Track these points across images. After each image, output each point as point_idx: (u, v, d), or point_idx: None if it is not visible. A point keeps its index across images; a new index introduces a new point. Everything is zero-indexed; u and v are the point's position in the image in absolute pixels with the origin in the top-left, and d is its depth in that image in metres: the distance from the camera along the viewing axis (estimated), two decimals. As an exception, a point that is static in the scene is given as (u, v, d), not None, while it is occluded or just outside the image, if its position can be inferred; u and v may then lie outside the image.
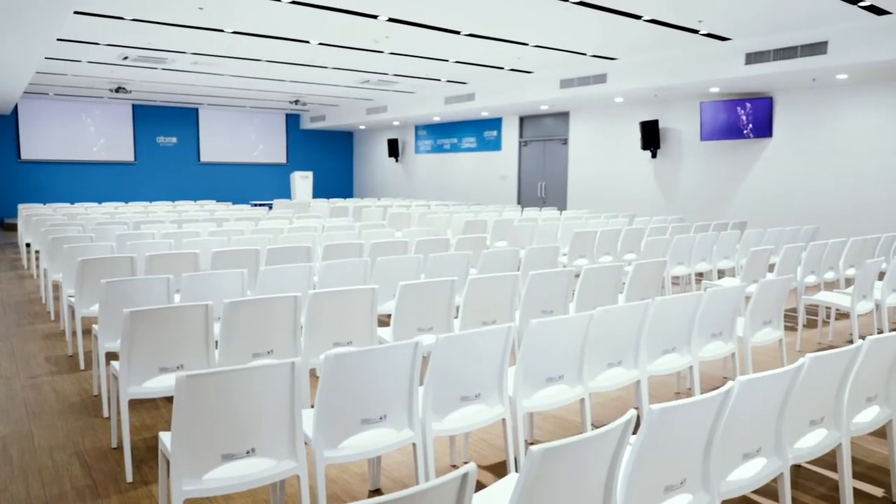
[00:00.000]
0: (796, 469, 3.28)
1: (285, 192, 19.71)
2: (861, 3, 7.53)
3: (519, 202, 15.99)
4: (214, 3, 8.12)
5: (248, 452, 2.41)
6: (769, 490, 2.60)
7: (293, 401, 2.48)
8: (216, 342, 3.46)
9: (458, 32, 9.45)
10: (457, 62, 11.78)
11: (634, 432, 1.99)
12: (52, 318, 6.73)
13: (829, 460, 2.87)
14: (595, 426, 3.88)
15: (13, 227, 14.35)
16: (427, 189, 18.84)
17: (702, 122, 11.92)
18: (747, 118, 11.27)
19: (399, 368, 2.72)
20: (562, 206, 14.69)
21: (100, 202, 14.62)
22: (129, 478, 3.21)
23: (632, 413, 1.91)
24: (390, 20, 8.78)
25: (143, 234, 7.41)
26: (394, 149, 19.76)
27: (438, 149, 18.62)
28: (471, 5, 8.09)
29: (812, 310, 6.87)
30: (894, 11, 7.79)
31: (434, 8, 8.23)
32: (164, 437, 2.49)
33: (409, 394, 2.77)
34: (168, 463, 2.35)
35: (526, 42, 10.05)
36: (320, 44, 10.42)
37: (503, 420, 3.04)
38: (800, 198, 10.83)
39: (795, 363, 2.45)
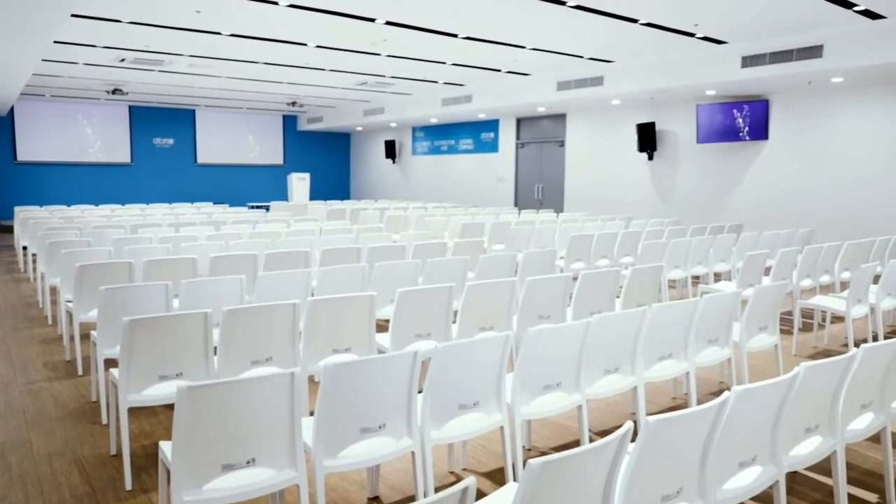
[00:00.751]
0: (791, 475, 3.30)
1: (282, 194, 19.70)
2: (856, 8, 7.57)
3: (516, 204, 16.01)
4: (212, 6, 8.12)
5: (248, 462, 2.43)
6: (765, 497, 2.62)
7: (293, 411, 2.49)
8: (215, 349, 3.47)
9: (455, 35, 9.47)
10: (454, 64, 11.80)
11: (633, 439, 2.01)
12: (50, 322, 6.73)
13: (825, 466, 2.89)
14: (592, 432, 3.91)
15: (9, 230, 14.31)
16: (424, 191, 18.85)
17: (698, 125, 11.95)
18: (743, 121, 11.31)
19: (398, 377, 2.74)
20: (559, 208, 14.72)
21: (96, 204, 14.62)
22: (129, 485, 3.22)
23: (629, 425, 1.93)
24: (388, 23, 8.80)
25: (141, 238, 7.41)
26: (391, 150, 19.77)
27: (436, 150, 18.64)
28: (468, 8, 8.11)
29: (808, 313, 6.91)
30: (889, 16, 7.84)
31: (431, 11, 8.24)
32: (165, 447, 2.50)
33: (407, 402, 2.78)
34: (168, 473, 2.36)
35: (523, 45, 10.07)
36: (317, 46, 10.43)
37: (501, 428, 3.06)
38: (796, 200, 10.88)
39: (790, 372, 2.47)
